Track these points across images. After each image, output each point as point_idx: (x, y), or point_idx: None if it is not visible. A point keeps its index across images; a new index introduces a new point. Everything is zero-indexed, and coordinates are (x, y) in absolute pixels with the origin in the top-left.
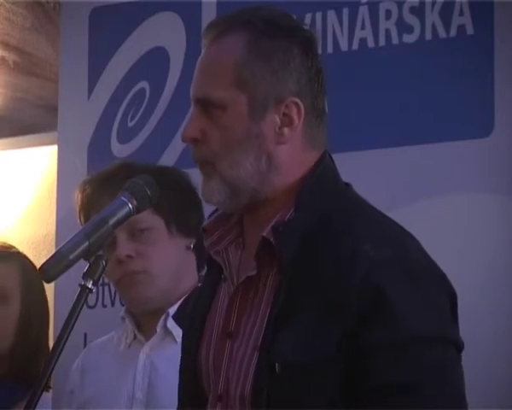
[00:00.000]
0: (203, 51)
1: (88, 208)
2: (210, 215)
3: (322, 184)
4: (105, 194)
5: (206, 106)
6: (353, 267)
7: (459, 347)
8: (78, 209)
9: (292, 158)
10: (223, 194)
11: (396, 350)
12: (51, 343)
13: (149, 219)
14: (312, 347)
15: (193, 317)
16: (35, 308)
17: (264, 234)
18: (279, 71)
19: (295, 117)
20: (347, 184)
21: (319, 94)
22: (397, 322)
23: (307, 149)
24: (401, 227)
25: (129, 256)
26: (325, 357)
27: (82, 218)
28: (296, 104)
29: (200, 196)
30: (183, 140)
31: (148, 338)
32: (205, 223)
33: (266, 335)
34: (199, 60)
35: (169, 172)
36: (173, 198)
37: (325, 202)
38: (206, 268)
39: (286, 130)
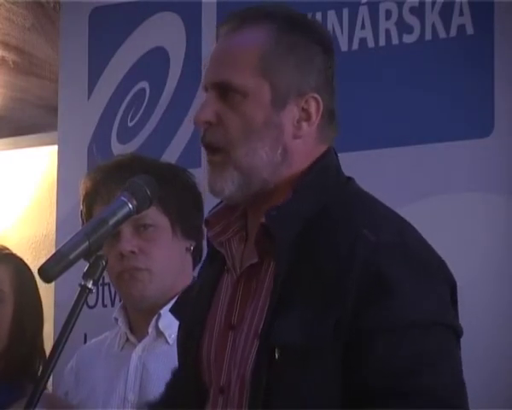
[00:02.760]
0: (222, 39)
1: (94, 195)
2: (213, 208)
3: (324, 176)
4: (113, 182)
5: (226, 91)
6: (353, 253)
7: (458, 332)
8: (82, 197)
9: (303, 153)
10: (236, 184)
11: (394, 336)
12: (50, 344)
13: (155, 216)
14: (312, 332)
15: (193, 309)
16: (29, 310)
17: (262, 220)
18: (303, 65)
19: (314, 113)
20: (350, 178)
21: (333, 94)
22: (395, 307)
23: (318, 145)
24: (401, 217)
25: (132, 252)
26: (324, 343)
27: (85, 206)
28: (316, 100)
29: (208, 189)
30: (196, 123)
31: (140, 340)
32: (208, 215)
33: (266, 321)
34: (217, 47)
35: (178, 172)
36: (181, 199)
37: (326, 195)
38: (206, 259)
39: (304, 124)
